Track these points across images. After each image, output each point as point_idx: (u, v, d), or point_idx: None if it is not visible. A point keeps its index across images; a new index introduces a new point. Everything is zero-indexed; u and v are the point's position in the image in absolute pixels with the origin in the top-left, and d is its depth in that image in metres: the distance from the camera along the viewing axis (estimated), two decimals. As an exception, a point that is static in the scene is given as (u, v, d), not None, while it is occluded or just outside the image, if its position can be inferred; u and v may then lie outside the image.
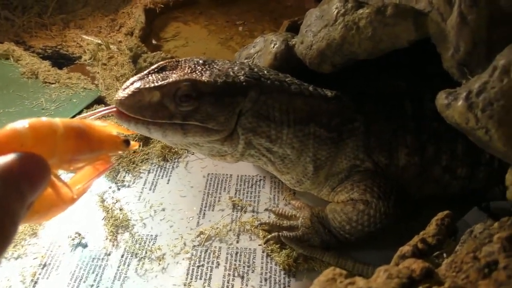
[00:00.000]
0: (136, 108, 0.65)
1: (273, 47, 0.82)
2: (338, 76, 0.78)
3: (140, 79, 0.66)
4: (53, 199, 0.45)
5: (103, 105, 1.19)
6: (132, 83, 0.66)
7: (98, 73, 1.33)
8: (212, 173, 0.99)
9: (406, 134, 0.79)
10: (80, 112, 1.16)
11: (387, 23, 0.63)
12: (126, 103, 0.64)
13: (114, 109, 0.64)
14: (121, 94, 0.64)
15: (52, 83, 1.28)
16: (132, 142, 0.53)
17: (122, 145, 0.51)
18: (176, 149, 1.05)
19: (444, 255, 0.53)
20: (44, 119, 0.43)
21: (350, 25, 0.66)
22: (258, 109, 0.71)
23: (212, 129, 0.69)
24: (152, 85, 0.65)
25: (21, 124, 0.41)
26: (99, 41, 1.45)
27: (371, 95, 0.81)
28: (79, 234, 0.85)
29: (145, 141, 1.07)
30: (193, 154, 1.04)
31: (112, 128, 0.52)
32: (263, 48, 0.87)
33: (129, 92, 0.64)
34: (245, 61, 0.88)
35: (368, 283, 0.36)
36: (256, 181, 0.97)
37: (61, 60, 1.42)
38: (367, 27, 0.64)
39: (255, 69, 0.73)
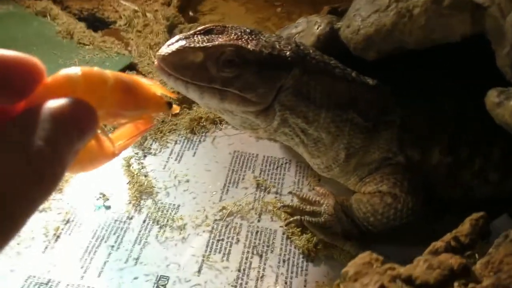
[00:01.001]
0: (177, 66, 0.64)
1: (317, 28, 0.81)
2: (378, 64, 0.76)
3: (186, 38, 0.66)
4: (95, 151, 0.45)
5: (135, 71, 1.19)
6: (177, 41, 0.65)
7: (132, 39, 1.32)
8: (238, 151, 0.99)
9: (442, 133, 0.77)
10: (112, 76, 1.16)
11: (443, 14, 0.61)
12: (169, 59, 0.64)
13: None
14: (165, 50, 0.64)
15: (87, 45, 1.29)
16: (174, 106, 0.53)
17: (165, 107, 0.51)
18: (204, 124, 1.05)
19: (476, 255, 0.52)
20: (96, 68, 0.43)
21: (403, 12, 0.64)
22: (300, 87, 0.70)
23: (250, 100, 0.68)
24: (197, 45, 0.64)
25: (74, 71, 0.41)
26: (136, 8, 1.44)
27: (411, 88, 0.79)
28: (104, 195, 0.86)
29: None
30: (221, 130, 1.04)
31: (157, 88, 0.51)
32: (305, 29, 0.86)
33: (173, 49, 0.64)
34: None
35: (408, 270, 0.36)
36: (282, 164, 0.96)
37: (96, 23, 1.42)
38: (421, 15, 0.62)
39: (301, 47, 0.72)
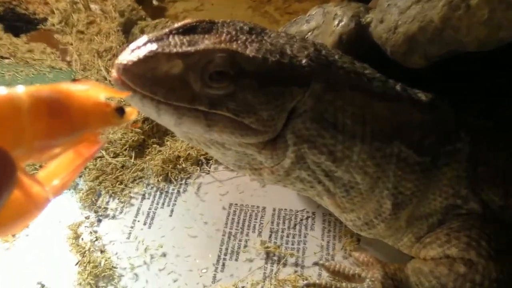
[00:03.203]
0: (145, 80, 0.65)
1: (338, 24, 0.85)
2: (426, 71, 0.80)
3: (157, 39, 0.67)
4: (21, 203, 0.45)
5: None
6: (145, 44, 0.67)
7: (72, 44, 1.37)
8: (236, 204, 1.02)
9: (532, 162, 0.80)
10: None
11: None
12: (133, 70, 0.65)
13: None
14: (127, 57, 0.65)
15: (5, 58, 1.33)
16: (127, 109, 0.52)
17: (114, 116, 0.50)
18: (183, 165, 1.08)
19: None
20: (2, 90, 0.43)
21: (456, 2, 0.68)
22: (322, 110, 0.72)
23: (249, 127, 0.69)
24: (174, 50, 0.66)
25: None
26: (74, -3, 1.49)
27: (477, 101, 0.82)
28: (43, 286, 0.89)
29: (138, 151, 1.10)
30: (208, 174, 1.07)
31: (99, 91, 0.50)
32: (321, 25, 0.90)
33: (140, 56, 0.65)
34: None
35: None
36: (302, 219, 0.99)
37: (17, 23, 1.46)
38: (482, 7, 0.66)
39: (323, 52, 0.74)
